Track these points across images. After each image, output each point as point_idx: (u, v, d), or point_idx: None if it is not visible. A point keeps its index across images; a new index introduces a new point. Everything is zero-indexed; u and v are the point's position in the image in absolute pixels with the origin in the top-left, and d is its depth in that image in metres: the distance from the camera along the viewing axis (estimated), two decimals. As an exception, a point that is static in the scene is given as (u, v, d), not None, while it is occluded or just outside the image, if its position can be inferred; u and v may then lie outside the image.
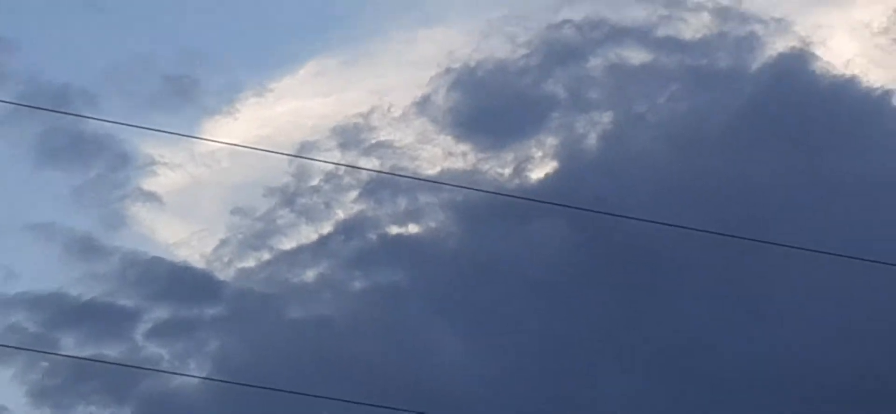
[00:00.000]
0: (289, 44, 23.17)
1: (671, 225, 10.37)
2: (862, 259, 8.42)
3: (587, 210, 13.07)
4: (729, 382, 13.60)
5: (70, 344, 15.90)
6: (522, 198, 16.68)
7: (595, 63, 17.23)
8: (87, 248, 16.67)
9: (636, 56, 17.24)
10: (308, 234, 17.05)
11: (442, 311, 15.84)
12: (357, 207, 17.00)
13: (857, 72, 16.64)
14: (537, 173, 16.84)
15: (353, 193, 17.32)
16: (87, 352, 16.00)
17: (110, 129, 15.97)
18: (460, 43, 18.21)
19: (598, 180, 16.07)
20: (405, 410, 9.66)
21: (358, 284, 16.41)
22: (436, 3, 23.06)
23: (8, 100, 14.80)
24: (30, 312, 15.82)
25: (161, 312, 16.31)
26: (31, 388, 15.10)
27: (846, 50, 17.57)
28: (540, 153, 16.92)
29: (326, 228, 17.14)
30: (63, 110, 16.89)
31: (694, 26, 17.35)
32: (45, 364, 15.38)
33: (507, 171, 17.01)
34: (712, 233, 9.30)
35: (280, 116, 19.08)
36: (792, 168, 16.07)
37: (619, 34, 17.02)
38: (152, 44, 20.44)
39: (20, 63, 16.85)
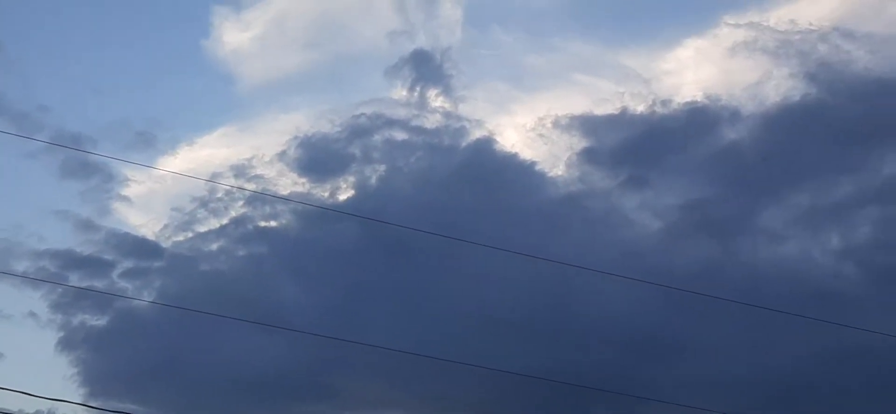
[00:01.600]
0: (207, 116, 40.38)
1: (425, 231, 23.66)
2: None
3: (371, 219, 26.38)
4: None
5: (75, 279, 28.79)
6: (334, 210, 29.98)
7: (377, 138, 32.30)
8: (87, 226, 30.45)
9: (400, 135, 32.44)
10: (214, 224, 31.24)
11: (286, 269, 29.45)
12: (242, 210, 31.06)
13: (518, 151, 32.12)
14: (343, 197, 31.29)
15: (240, 202, 31.37)
16: (85, 284, 28.72)
17: (105, 161, 30.07)
18: (303, 121, 33.62)
19: (379, 203, 29.78)
20: (264, 323, 22.63)
21: (241, 253, 30.33)
22: (290, 99, 39.75)
23: (44, 140, 27.32)
24: (51, 260, 28.77)
25: (127, 263, 29.77)
26: (51, 303, 28.13)
27: (515, 138, 33.63)
28: (345, 185, 31.50)
29: (224, 221, 31.33)
30: (79, 148, 28.96)
31: (432, 120, 32.78)
32: (59, 290, 27.96)
33: (326, 194, 31.66)
34: (444, 236, 22.68)
35: (201, 157, 34.92)
36: (482, 206, 30.03)
37: (390, 122, 32.10)
38: (129, 111, 35.02)
39: (53, 119, 29.79)
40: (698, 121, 33.19)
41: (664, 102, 33.71)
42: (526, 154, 33.00)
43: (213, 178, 30.58)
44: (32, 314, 28.27)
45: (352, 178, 31.25)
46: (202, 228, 30.47)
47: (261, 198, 29.93)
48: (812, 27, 34.74)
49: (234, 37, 36.60)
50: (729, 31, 35.92)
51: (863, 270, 29.79)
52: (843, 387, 26.09)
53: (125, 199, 31.68)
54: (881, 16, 37.41)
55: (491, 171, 30.82)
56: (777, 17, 35.95)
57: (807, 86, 33.25)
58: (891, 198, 30.90)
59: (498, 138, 32.55)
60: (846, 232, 31.11)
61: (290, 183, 31.27)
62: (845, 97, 32.54)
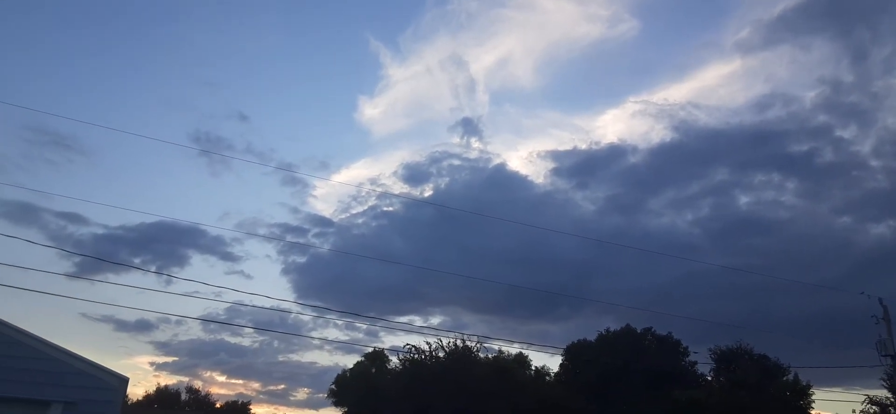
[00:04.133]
0: (358, 152, 71.72)
1: (469, 211, 46.17)
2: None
3: (442, 206, 48.87)
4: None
5: (289, 237, 50.98)
6: (422, 201, 51.70)
7: (444, 163, 53.48)
8: (295, 210, 52.83)
9: (456, 162, 53.65)
10: (359, 209, 53.08)
11: (397, 233, 51.29)
12: (374, 202, 52.74)
13: (519, 170, 53.36)
14: (427, 194, 52.65)
15: (373, 198, 52.83)
16: (293, 240, 50.80)
17: (303, 177, 52.46)
18: (407, 155, 57.27)
19: (446, 198, 51.42)
20: (384, 259, 45.12)
21: (373, 224, 52.35)
22: (399, 143, 60.69)
23: (273, 166, 49.59)
24: (277, 228, 50.81)
25: (315, 230, 51.67)
26: (278, 250, 50.49)
27: (517, 163, 54.72)
28: (428, 189, 52.83)
29: (365, 207, 53.29)
30: (291, 170, 49.82)
31: (472, 154, 53.86)
32: (281, 243, 50.17)
33: (418, 193, 53.00)
34: (479, 214, 45.11)
35: (353, 174, 58.63)
36: (499, 198, 51.79)
37: (451, 155, 53.28)
38: (317, 150, 57.39)
39: (278, 155, 51.15)
40: (615, 153, 55.38)
41: (596, 143, 56.91)
42: (522, 171, 56.11)
43: (360, 185, 53.31)
44: (268, 256, 50.98)
45: (431, 185, 53.48)
46: (353, 211, 52.59)
47: (385, 195, 52.11)
48: (676, 102, 58.29)
49: (370, 110, 65.30)
50: (631, 105, 60.16)
51: (704, 232, 50.71)
52: (689, 293, 44.33)
53: (314, 196, 54.61)
54: (715, 95, 60.66)
55: (504, 180, 52.68)
56: (657, 96, 59.90)
57: (672, 133, 56.31)
58: (720, 193, 52.75)
59: (508, 163, 55.70)
60: (694, 211, 52.68)
61: (399, 187, 53.93)
62: (693, 139, 54.69)
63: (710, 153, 52.79)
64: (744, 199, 52.04)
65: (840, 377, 31.31)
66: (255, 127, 61.68)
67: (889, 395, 24.48)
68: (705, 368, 27.35)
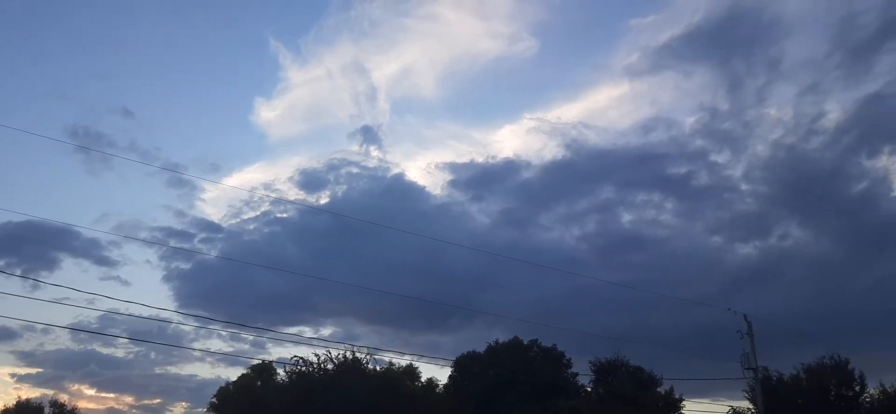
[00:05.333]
0: (252, 155, 66.13)
1: (366, 220, 45.41)
2: None
3: (337, 214, 47.93)
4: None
5: (172, 242, 48.37)
6: (317, 209, 50.56)
7: (343, 171, 52.67)
8: (180, 213, 49.93)
9: (354, 170, 52.94)
10: (251, 214, 50.99)
11: (290, 240, 49.80)
12: (268, 208, 50.77)
13: (416, 180, 53.35)
14: (323, 201, 51.56)
15: (267, 203, 50.99)
16: (177, 245, 48.15)
17: (192, 179, 49.93)
18: (304, 161, 55.80)
19: (342, 206, 50.50)
20: (275, 267, 43.70)
21: (265, 230, 50.51)
22: (297, 148, 59.12)
23: (158, 166, 46.92)
24: (160, 232, 47.95)
25: (202, 235, 49.15)
26: (159, 255, 47.53)
27: (415, 173, 54.75)
28: (324, 196, 51.76)
29: (257, 213, 51.15)
30: (177, 171, 47.15)
31: (371, 162, 53.40)
32: (163, 248, 47.34)
33: (313, 200, 51.81)
34: (375, 223, 44.37)
35: (246, 178, 56.09)
36: (396, 208, 51.46)
37: (350, 163, 52.56)
38: (208, 151, 54.52)
39: (164, 154, 48.41)
40: (510, 167, 56.56)
41: (493, 157, 57.94)
42: (420, 182, 56.13)
43: (253, 189, 51.19)
44: (148, 261, 48.11)
45: (328, 192, 52.43)
46: (245, 217, 50.58)
47: (279, 201, 50.47)
48: (568, 121, 60.46)
49: (267, 113, 62.46)
50: (527, 121, 61.99)
51: (590, 247, 52.66)
52: (575, 307, 45.53)
53: (203, 200, 51.93)
54: (604, 116, 63.46)
55: (402, 190, 52.49)
56: (551, 115, 61.93)
57: (564, 151, 58.16)
58: (605, 210, 54.94)
59: (407, 173, 55.53)
60: (582, 227, 54.57)
61: (294, 193, 52.42)
62: (583, 158, 56.83)
63: (598, 172, 55.08)
64: (627, 217, 54.51)
65: (709, 389, 33.19)
66: (140, 123, 58.15)
67: (751, 406, 26.22)
68: (586, 379, 28.30)
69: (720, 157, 54.85)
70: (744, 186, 53.04)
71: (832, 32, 56.57)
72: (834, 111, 53.95)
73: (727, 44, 58.51)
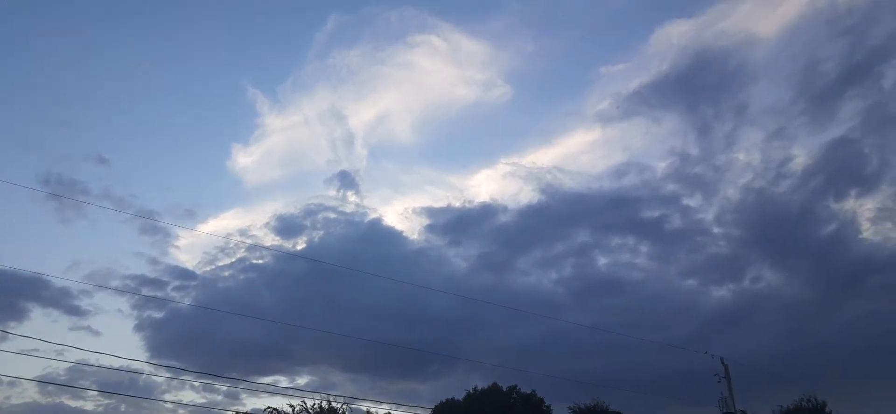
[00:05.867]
0: (228, 201, 68.60)
1: (343, 266, 44.84)
2: None
3: (314, 259, 47.35)
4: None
5: (145, 290, 47.30)
6: (294, 254, 49.96)
7: (320, 216, 52.29)
8: (154, 261, 48.79)
9: (332, 215, 52.58)
10: (227, 261, 50.15)
11: (267, 286, 49.02)
12: (244, 254, 50.04)
13: (394, 225, 53.15)
14: (300, 247, 51.09)
15: (243, 250, 50.36)
16: (150, 293, 47.08)
17: (166, 226, 48.81)
18: (280, 206, 55.74)
19: (319, 251, 50.01)
20: (250, 315, 42.91)
21: (241, 278, 49.64)
22: (273, 194, 58.81)
23: (131, 213, 45.94)
24: (132, 280, 46.87)
25: (176, 282, 48.08)
26: (132, 304, 46.35)
27: (393, 218, 54.58)
28: (301, 242, 51.36)
29: (233, 259, 50.28)
30: (151, 218, 46.51)
31: (349, 207, 53.17)
32: (136, 297, 46.29)
33: (290, 246, 51.19)
34: (352, 269, 43.86)
35: (222, 224, 54.81)
36: (373, 253, 51.13)
37: (327, 208, 52.29)
38: (183, 198, 53.77)
39: (138, 201, 47.69)
40: (487, 212, 56.63)
41: (469, 201, 57.98)
42: (397, 226, 55.70)
43: (228, 236, 50.42)
44: (120, 310, 46.91)
45: (305, 238, 51.88)
46: (220, 263, 49.71)
47: (254, 247, 49.81)
48: (543, 165, 60.93)
49: (244, 159, 62.28)
50: (503, 166, 62.27)
51: (567, 291, 52.43)
52: (553, 351, 45.40)
53: (177, 247, 50.98)
54: (578, 160, 64.23)
55: (379, 235, 52.19)
56: (527, 160, 62.47)
57: (540, 196, 58.50)
58: (582, 254, 55.14)
59: (384, 218, 55.24)
60: (558, 271, 54.55)
61: (270, 239, 51.76)
62: (559, 202, 57.22)
63: (574, 216, 55.43)
64: (603, 261, 54.67)
65: (687, 432, 32.97)
66: (115, 170, 57.30)
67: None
68: (566, 425, 27.98)
69: (692, 201, 55.56)
70: (716, 230, 53.76)
71: (796, 79, 58.25)
72: (800, 155, 55.24)
73: (695, 90, 59.93)
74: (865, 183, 51.02)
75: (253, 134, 69.31)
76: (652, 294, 52.02)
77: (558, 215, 55.31)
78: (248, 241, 49.64)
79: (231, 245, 49.16)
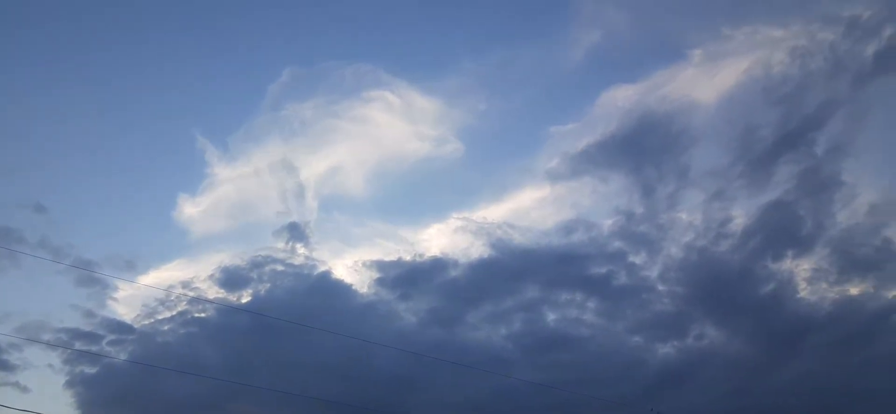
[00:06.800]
0: (171, 253, 64.17)
1: (289, 321, 43.45)
2: None
3: (260, 313, 45.89)
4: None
5: (79, 344, 44.80)
6: (239, 308, 48.39)
7: (267, 269, 51.10)
8: (89, 313, 46.47)
9: (279, 267, 51.44)
10: (167, 314, 48.28)
11: (210, 341, 47.13)
12: (186, 307, 48.35)
13: (343, 278, 52.31)
14: (245, 300, 49.60)
15: (185, 302, 48.39)
16: (84, 348, 44.64)
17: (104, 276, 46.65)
18: (226, 258, 54.13)
19: (265, 305, 48.57)
20: (190, 372, 41.15)
21: (181, 331, 47.67)
22: (219, 245, 57.42)
23: (67, 264, 43.77)
24: (66, 333, 44.42)
25: (112, 337, 45.81)
26: (63, 358, 43.91)
27: (342, 271, 53.67)
28: (246, 295, 49.86)
29: (173, 313, 48.38)
30: (87, 269, 44.35)
31: (297, 260, 52.02)
32: (69, 351, 43.83)
33: (235, 299, 49.77)
34: (300, 323, 42.54)
35: (164, 276, 52.12)
36: (322, 307, 49.88)
37: (275, 261, 51.13)
38: (123, 248, 51.86)
39: (76, 251, 45.59)
40: (437, 266, 56.03)
41: (420, 255, 57.63)
42: (347, 280, 54.77)
43: (170, 288, 48.50)
44: (50, 365, 44.36)
45: (251, 291, 50.33)
46: (160, 317, 47.65)
47: (197, 300, 48.04)
48: (494, 221, 61.26)
49: (190, 209, 61.15)
50: (454, 221, 62.56)
51: (516, 347, 51.87)
52: (507, 409, 44.65)
53: (115, 299, 48.57)
54: (528, 216, 64.91)
55: (328, 288, 51.13)
56: (477, 216, 62.91)
57: (490, 250, 58.53)
58: (531, 309, 54.77)
59: (333, 271, 54.13)
60: (508, 326, 53.95)
61: (214, 292, 50.00)
62: (509, 257, 57.20)
63: (523, 271, 55.46)
64: (551, 316, 54.37)
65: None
66: (53, 219, 54.13)
67: None
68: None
69: (638, 259, 56.33)
70: (660, 287, 54.51)
71: (734, 144, 60.30)
72: (740, 216, 56.70)
73: (640, 152, 61.47)
74: (801, 244, 52.79)
75: (201, 184, 67.19)
76: (599, 350, 52.02)
77: (508, 270, 55.30)
78: (191, 293, 47.88)
79: (172, 298, 47.29)
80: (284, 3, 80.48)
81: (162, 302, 48.19)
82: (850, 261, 51.31)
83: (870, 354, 47.08)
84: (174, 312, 47.06)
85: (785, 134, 56.43)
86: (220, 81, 78.97)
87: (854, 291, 50.73)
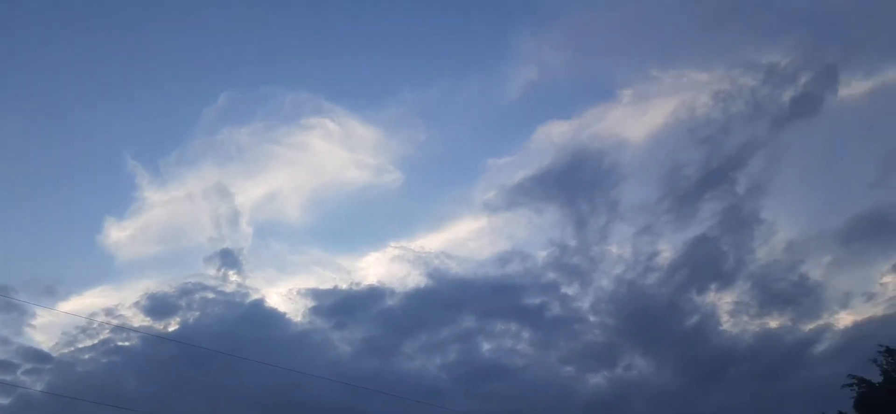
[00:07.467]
0: (95, 279, 66.22)
1: (220, 351, 42.03)
2: None
3: (187, 343, 44.24)
4: None
5: None
6: (165, 337, 46.63)
7: (197, 296, 49.52)
8: (4, 341, 43.71)
9: (210, 295, 49.96)
10: (88, 342, 45.91)
11: (134, 372, 45.10)
12: (109, 335, 46.30)
13: (277, 306, 51.18)
14: (172, 329, 47.87)
15: (108, 330, 46.40)
16: None
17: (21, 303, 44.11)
18: (153, 285, 50.79)
19: (194, 334, 46.97)
20: (113, 405, 39.38)
21: (103, 361, 45.43)
22: (146, 271, 55.30)
23: None
24: None
25: (28, 365, 43.27)
26: None
27: (276, 299, 52.55)
28: (173, 323, 48.09)
29: (95, 341, 46.22)
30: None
31: (230, 288, 50.68)
32: None
33: (161, 327, 48.05)
34: (231, 354, 41.09)
35: (86, 303, 51.03)
36: (254, 337, 48.59)
37: (205, 288, 49.60)
38: (44, 273, 49.07)
39: None
40: (374, 295, 55.81)
41: (357, 283, 57.07)
42: (281, 308, 53.58)
43: (92, 315, 46.28)
44: (-42, 398, 41.50)
45: (179, 319, 48.60)
46: (80, 345, 45.39)
47: (121, 328, 46.01)
48: (431, 251, 61.42)
49: (117, 233, 58.84)
50: (392, 250, 62.34)
51: (451, 377, 51.69)
52: None
53: (32, 326, 46.07)
54: (465, 247, 65.45)
55: (261, 317, 49.92)
56: (414, 245, 62.93)
57: (427, 280, 58.64)
58: (466, 339, 54.97)
59: (266, 299, 52.88)
60: (443, 356, 53.96)
61: (140, 320, 48.03)
62: (445, 287, 57.46)
63: (459, 301, 55.73)
64: (486, 346, 54.83)
65: None
66: (-32, 243, 51.94)
67: None
68: None
69: (570, 290, 57.52)
70: (592, 318, 55.73)
71: (661, 181, 62.84)
72: (666, 250, 58.86)
73: (573, 186, 63.22)
74: (724, 278, 55.17)
75: (129, 208, 64.60)
76: (533, 380, 52.60)
77: (445, 300, 55.42)
78: (115, 321, 45.83)
79: (94, 326, 45.12)
80: (223, 26, 79.75)
81: (83, 330, 46.01)
82: (769, 295, 53.99)
83: (787, 385, 49.17)
84: (96, 341, 44.99)
85: (708, 172, 59.39)
86: (153, 103, 77.18)
87: (773, 324, 53.32)
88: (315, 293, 55.17)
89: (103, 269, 63.54)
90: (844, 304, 52.15)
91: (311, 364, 47.51)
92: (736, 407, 48.32)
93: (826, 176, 67.95)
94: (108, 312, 48.55)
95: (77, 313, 45.83)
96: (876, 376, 24.81)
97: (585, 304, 56.73)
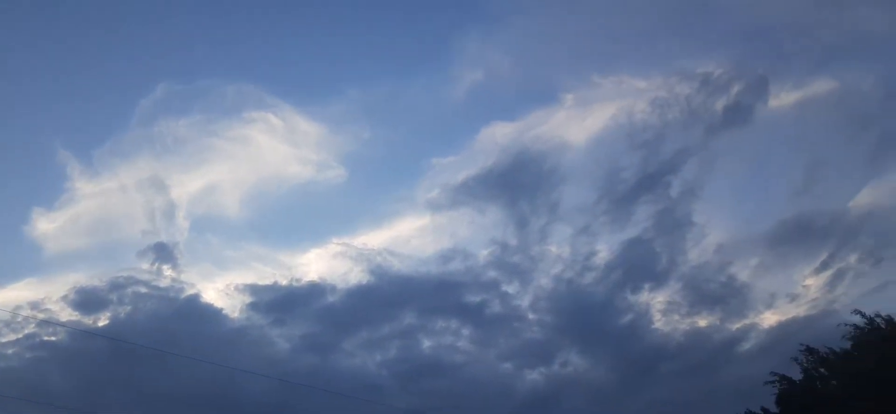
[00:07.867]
0: (21, 271, 62.10)
1: (152, 347, 40.62)
2: None
3: (118, 339, 42.67)
4: None
5: None
6: (94, 332, 44.81)
7: (129, 290, 47.96)
8: None
9: (143, 290, 48.38)
10: (12, 337, 43.80)
11: (61, 367, 43.20)
12: (34, 330, 44.13)
13: (213, 302, 49.95)
14: (101, 323, 46.09)
15: (33, 325, 44.28)
16: None
17: None
18: (83, 278, 50.39)
19: (124, 329, 45.30)
20: (37, 401, 37.73)
21: (28, 355, 43.38)
22: (76, 264, 52.74)
23: None
24: None
25: None
26: None
27: (212, 295, 51.38)
28: (103, 318, 46.36)
29: (20, 335, 44.01)
30: None
31: (164, 282, 49.17)
32: None
33: (90, 322, 46.22)
34: (163, 350, 39.80)
35: (10, 296, 47.79)
36: (189, 332, 47.24)
37: (138, 282, 47.96)
38: None
39: None
40: (315, 291, 55.38)
41: (297, 279, 56.38)
42: (217, 304, 52.38)
43: (16, 308, 44.03)
44: None
45: (109, 313, 46.84)
46: (3, 340, 43.16)
47: (47, 322, 43.99)
48: (373, 248, 61.24)
49: (45, 224, 55.78)
50: (334, 246, 61.83)
51: (391, 374, 51.78)
52: None
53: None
54: (408, 244, 65.61)
55: (196, 313, 48.67)
56: (357, 241, 62.63)
57: (369, 277, 58.50)
58: (407, 336, 54.96)
59: (202, 294, 51.56)
60: (384, 353, 53.86)
61: (67, 314, 46.06)
62: (387, 284, 57.42)
63: (401, 298, 55.75)
64: (427, 343, 54.89)
65: None
66: None
67: None
68: None
69: (510, 288, 58.33)
70: (531, 316, 56.66)
71: (600, 183, 64.30)
72: (603, 251, 60.31)
73: (514, 186, 64.11)
74: (657, 278, 57.00)
75: (59, 198, 61.87)
76: (472, 377, 53.16)
77: (386, 297, 55.32)
78: (41, 315, 43.80)
79: (19, 319, 42.97)
80: (162, 15, 77.10)
81: (7, 323, 43.77)
82: (700, 295, 55.98)
83: (715, 381, 51.17)
84: (21, 335, 42.94)
85: (644, 176, 61.05)
86: (86, 92, 74.09)
87: (702, 322, 55.34)
88: (253, 289, 54.24)
89: (30, 261, 60.66)
90: (769, 304, 54.52)
91: (249, 361, 46.87)
92: (666, 402, 50.00)
93: (755, 182, 71.55)
94: (34, 305, 46.37)
95: (1, 307, 43.46)
96: (797, 374, 25.98)
97: (525, 302, 57.65)
